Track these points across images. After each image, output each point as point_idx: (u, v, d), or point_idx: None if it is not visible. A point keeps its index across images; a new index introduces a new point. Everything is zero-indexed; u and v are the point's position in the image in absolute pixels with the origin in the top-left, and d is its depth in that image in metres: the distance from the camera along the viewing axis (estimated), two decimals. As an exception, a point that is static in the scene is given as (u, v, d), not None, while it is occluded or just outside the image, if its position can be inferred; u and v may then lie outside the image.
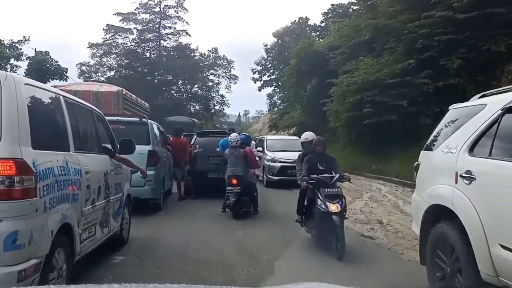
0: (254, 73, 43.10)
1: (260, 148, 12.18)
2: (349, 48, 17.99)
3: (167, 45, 38.80)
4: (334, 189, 5.20)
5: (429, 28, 13.13)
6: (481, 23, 12.09)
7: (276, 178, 11.74)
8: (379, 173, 13.87)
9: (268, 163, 12.05)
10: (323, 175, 5.28)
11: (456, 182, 3.22)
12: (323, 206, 5.01)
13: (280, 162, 11.78)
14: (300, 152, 6.05)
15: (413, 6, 14.57)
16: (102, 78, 35.72)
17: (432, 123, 12.65)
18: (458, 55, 12.40)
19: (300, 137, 9.88)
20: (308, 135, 6.08)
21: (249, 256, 4.96)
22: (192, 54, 38.94)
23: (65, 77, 21.71)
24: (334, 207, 4.97)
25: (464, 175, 3.13)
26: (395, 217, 7.56)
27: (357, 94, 14.25)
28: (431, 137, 4.20)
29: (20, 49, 21.59)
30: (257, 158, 8.71)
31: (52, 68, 21.37)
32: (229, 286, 1.24)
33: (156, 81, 38.36)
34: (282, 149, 12.52)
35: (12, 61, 20.89)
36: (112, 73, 37.83)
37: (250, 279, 4.13)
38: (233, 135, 7.96)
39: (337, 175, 5.34)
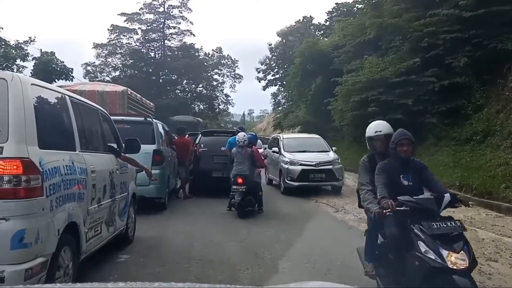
0: (259, 72, 43.10)
1: (276, 149, 11.29)
2: (354, 47, 17.94)
3: (172, 45, 38.97)
4: (448, 223, 2.90)
5: (434, 27, 13.06)
6: (487, 21, 12.00)
7: (296, 184, 10.10)
8: (384, 172, 13.83)
9: (286, 166, 10.32)
10: (422, 197, 3.08)
11: None
12: (433, 257, 2.77)
13: (301, 165, 10.19)
14: (365, 156, 3.76)
15: (418, 5, 14.49)
16: (107, 78, 35.91)
17: (437, 121, 12.70)
18: (464, 54, 12.31)
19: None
20: (381, 125, 3.70)
21: (253, 255, 4.97)
22: (197, 54, 39.02)
23: (70, 77, 21.85)
24: (454, 259, 2.76)
25: None
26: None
27: (362, 93, 14.21)
28: None
29: (26, 49, 21.74)
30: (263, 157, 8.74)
31: (58, 69, 21.51)
32: (233, 285, 1.25)
33: (160, 80, 38.51)
34: (301, 150, 10.98)
35: (18, 61, 21.04)
36: (117, 73, 38.01)
37: (254, 278, 4.14)
38: (241, 135, 7.97)
39: (447, 196, 3.06)
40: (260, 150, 9.01)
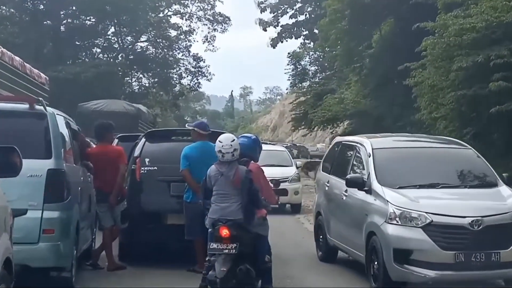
0: (262, 10, 43.32)
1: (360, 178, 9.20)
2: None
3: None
4: None
5: None
6: None
7: (430, 273, 7.68)
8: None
9: (388, 227, 8.18)
10: None
11: None
12: None
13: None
14: None
15: None
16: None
17: None
18: None
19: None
20: None
21: None
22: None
23: None
24: None
25: None
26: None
27: (477, 49, 14.32)
28: None
29: None
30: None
31: None
32: None
33: (62, 28, 38.77)
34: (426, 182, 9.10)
35: None
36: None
37: None
38: (225, 138, 7.88)
39: None
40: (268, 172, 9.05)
